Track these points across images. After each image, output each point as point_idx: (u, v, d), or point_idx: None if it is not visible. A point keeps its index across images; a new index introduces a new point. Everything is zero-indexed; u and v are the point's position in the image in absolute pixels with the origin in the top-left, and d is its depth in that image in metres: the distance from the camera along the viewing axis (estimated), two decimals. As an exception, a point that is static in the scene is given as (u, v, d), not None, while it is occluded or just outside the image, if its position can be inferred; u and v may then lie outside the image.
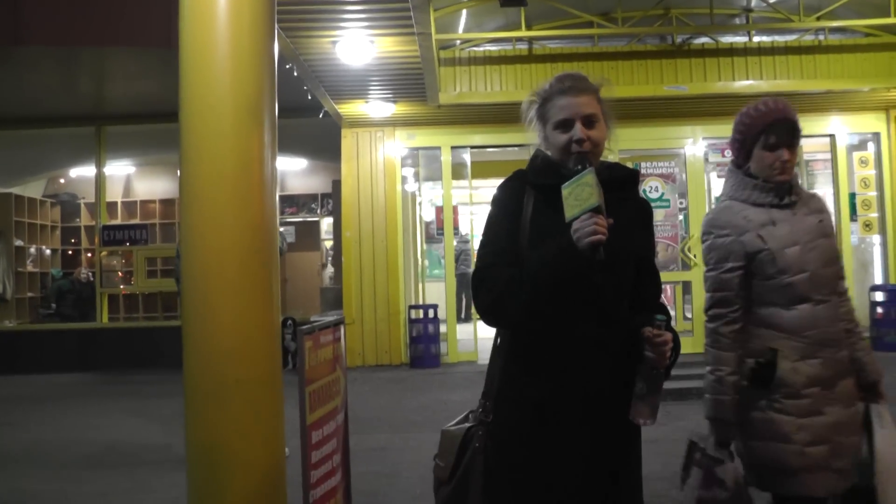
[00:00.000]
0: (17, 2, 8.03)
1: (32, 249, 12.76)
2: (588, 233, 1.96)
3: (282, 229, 6.51)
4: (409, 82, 8.63)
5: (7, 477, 5.75)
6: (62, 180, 13.78)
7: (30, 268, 12.67)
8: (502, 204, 2.24)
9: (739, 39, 9.89)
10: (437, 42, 8.16)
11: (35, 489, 5.43)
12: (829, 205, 10.37)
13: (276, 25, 3.87)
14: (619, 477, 2.13)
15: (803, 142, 10.14)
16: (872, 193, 10.43)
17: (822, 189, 11.40)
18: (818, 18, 9.21)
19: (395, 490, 5.20)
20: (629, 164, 8.73)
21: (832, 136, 10.42)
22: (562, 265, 2.03)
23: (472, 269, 12.45)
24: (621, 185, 2.20)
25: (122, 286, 12.28)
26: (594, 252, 1.97)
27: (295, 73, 7.97)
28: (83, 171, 13.00)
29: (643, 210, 2.27)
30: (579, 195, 2.01)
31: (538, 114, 2.24)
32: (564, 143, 2.15)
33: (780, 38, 9.74)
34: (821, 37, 9.63)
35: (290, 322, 10.26)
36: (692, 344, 9.90)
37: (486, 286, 2.13)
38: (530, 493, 2.11)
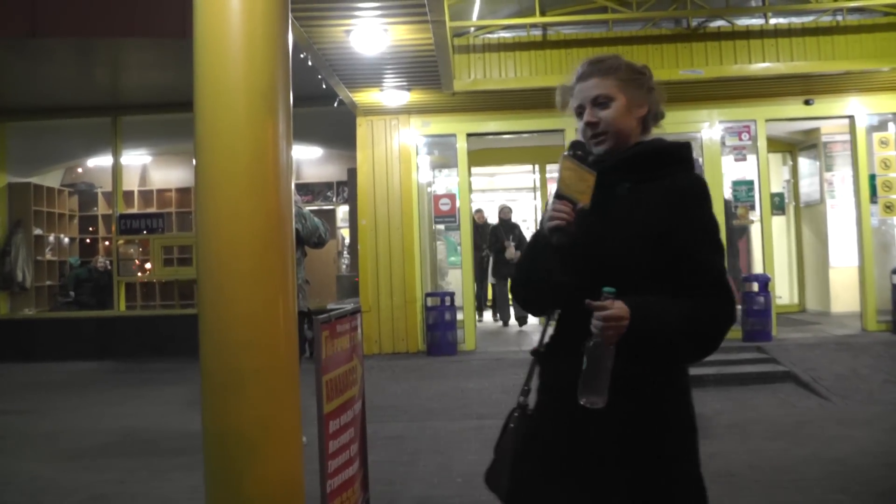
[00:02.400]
0: (35, -5, 8.07)
1: (51, 238, 12.87)
2: (547, 218, 2.03)
3: (317, 220, 6.52)
4: (424, 70, 8.60)
5: (26, 464, 5.81)
6: (80, 170, 13.87)
7: (48, 256, 12.78)
8: None
9: (755, 22, 9.77)
10: (451, 29, 8.12)
11: (53, 476, 5.49)
12: (849, 187, 10.42)
13: (290, 15, 3.85)
14: (624, 465, 1.99)
15: (821, 124, 10.05)
16: (893, 175, 10.30)
17: (842, 171, 11.30)
18: (835, -1, 9.08)
19: (412, 479, 5.21)
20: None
21: (851, 118, 10.29)
22: (530, 248, 2.14)
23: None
24: (637, 166, 2.08)
25: (139, 273, 12.35)
26: (551, 236, 2.01)
27: (309, 63, 7.96)
28: (100, 161, 13.07)
29: (671, 193, 2.02)
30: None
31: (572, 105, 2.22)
32: (581, 129, 2.17)
33: (796, 20, 9.61)
34: (839, 17, 9.50)
35: (307, 310, 10.29)
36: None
37: None
38: (528, 480, 2.12)
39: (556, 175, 10.68)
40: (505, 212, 12.68)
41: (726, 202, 10.41)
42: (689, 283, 1.97)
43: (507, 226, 12.48)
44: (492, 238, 12.49)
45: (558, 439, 2.06)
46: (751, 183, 10.43)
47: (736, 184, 10.52)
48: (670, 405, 2.04)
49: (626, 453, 1.98)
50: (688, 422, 2.08)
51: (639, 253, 1.98)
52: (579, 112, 2.17)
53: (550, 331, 2.23)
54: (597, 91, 2.12)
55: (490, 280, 12.97)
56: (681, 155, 2.13)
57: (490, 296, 13.65)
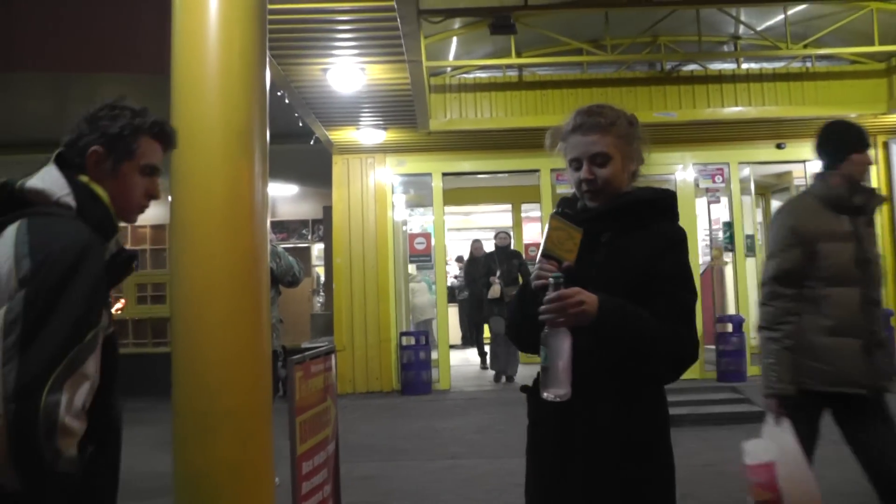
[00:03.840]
0: (11, 28, 8.04)
1: (21, 275, 12.68)
2: (534, 277, 2.08)
3: (292, 259, 6.45)
4: (400, 109, 8.65)
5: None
6: (52, 206, 13.73)
7: (19, 294, 12.58)
8: None
9: (728, 66, 9.96)
10: (428, 69, 8.19)
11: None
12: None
13: (268, 53, 3.86)
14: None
15: (791, 168, 10.14)
16: (862, 219, 10.45)
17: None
18: (805, 46, 9.29)
19: (385, 520, 5.13)
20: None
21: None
22: (517, 300, 2.28)
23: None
24: (622, 215, 2.17)
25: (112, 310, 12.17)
26: (538, 294, 2.04)
27: (286, 100, 7.98)
28: (73, 197, 12.95)
29: (653, 240, 2.12)
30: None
31: (563, 150, 2.26)
32: (576, 182, 2.22)
33: (767, 65, 9.82)
34: (808, 64, 9.72)
35: (281, 349, 10.18)
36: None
37: None
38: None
39: (531, 215, 10.68)
40: (478, 248, 11.70)
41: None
42: (661, 314, 2.04)
43: (503, 255, 10.90)
44: (483, 271, 11.01)
45: (549, 471, 2.15)
46: (729, 224, 10.56)
47: (726, 225, 10.57)
48: (653, 437, 2.12)
49: (605, 484, 2.06)
50: (666, 458, 2.15)
51: (619, 296, 2.04)
52: (575, 165, 2.20)
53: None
54: (596, 149, 2.16)
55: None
56: (664, 205, 2.22)
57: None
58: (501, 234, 11.51)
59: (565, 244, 2.07)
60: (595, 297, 1.98)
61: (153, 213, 13.08)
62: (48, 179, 1.95)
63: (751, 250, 10.68)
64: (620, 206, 2.16)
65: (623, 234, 2.13)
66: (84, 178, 1.99)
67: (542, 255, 2.08)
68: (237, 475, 3.15)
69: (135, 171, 2.04)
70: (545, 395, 1.96)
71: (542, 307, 1.98)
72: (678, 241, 2.15)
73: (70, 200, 1.91)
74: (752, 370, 9.69)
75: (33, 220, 1.85)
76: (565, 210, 2.22)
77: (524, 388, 2.26)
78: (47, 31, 8.08)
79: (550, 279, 1.97)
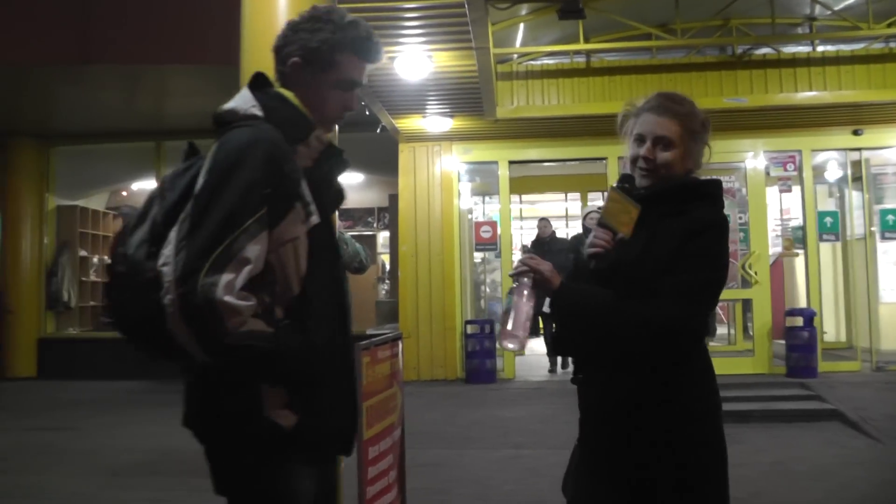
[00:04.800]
0: (87, 24, 8.28)
1: (95, 259, 13.07)
2: (587, 244, 2.20)
3: (359, 245, 6.48)
4: (467, 97, 8.62)
5: (65, 481, 5.86)
6: (124, 193, 14.11)
7: (92, 277, 12.97)
8: None
9: (802, 49, 9.66)
10: (495, 56, 8.14)
11: (91, 493, 5.52)
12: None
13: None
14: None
15: (869, 154, 9.83)
16: (948, 208, 10.03)
17: (893, 203, 11.04)
18: (889, 25, 8.90)
19: (448, 507, 5.14)
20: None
21: (904, 148, 10.09)
22: (571, 273, 2.31)
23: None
24: (664, 200, 2.21)
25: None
26: (589, 262, 2.19)
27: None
28: (143, 185, 13.28)
29: (691, 223, 2.13)
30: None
31: (630, 126, 2.30)
32: (633, 157, 2.25)
33: (845, 47, 9.48)
34: (892, 44, 9.33)
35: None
36: (752, 364, 9.67)
37: None
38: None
39: (598, 203, 10.64)
40: (544, 227, 10.95)
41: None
42: (663, 285, 2.07)
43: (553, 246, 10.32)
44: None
45: (592, 460, 2.22)
46: (835, 214, 10.25)
47: (822, 214, 10.25)
48: (693, 430, 2.13)
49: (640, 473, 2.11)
50: (707, 460, 2.15)
51: (652, 278, 2.09)
52: (638, 139, 2.23)
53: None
54: (664, 132, 2.20)
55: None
56: (706, 191, 2.25)
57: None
58: (542, 222, 11.02)
59: (621, 217, 2.15)
60: (557, 279, 2.12)
61: (222, 201, 13.40)
62: (238, 98, 2.06)
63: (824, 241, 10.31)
64: (665, 189, 2.21)
65: (666, 219, 2.16)
66: (276, 87, 2.10)
67: (598, 223, 2.18)
68: None
69: (331, 84, 2.08)
70: (500, 343, 2.11)
71: (515, 264, 2.14)
72: (710, 225, 2.15)
73: (256, 111, 2.01)
74: (824, 366, 9.41)
75: (220, 138, 1.98)
76: (625, 185, 2.24)
77: (574, 380, 2.30)
78: (119, 24, 8.29)
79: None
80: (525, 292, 2.08)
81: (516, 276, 2.12)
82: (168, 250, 1.84)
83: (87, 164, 12.60)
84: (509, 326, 2.06)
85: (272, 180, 1.89)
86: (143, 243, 1.94)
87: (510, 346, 2.06)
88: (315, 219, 1.97)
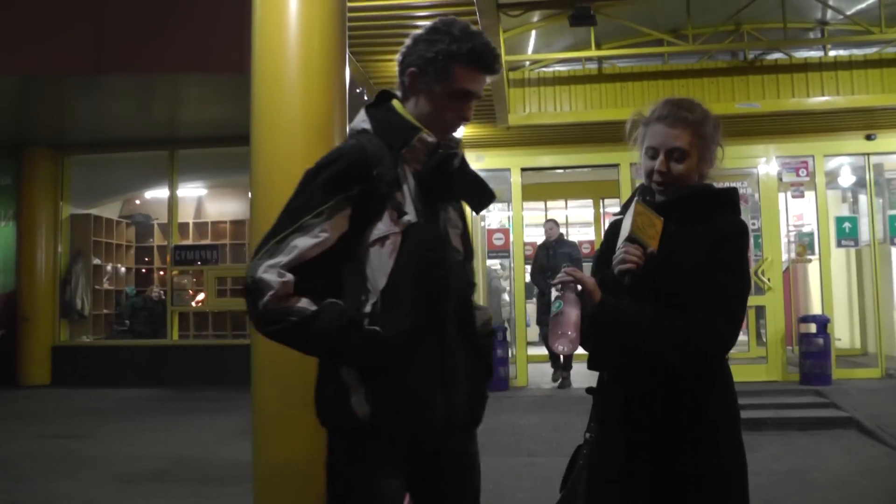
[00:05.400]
0: (101, 33, 8.32)
1: (109, 268, 13.12)
2: (618, 261, 2.14)
3: None
4: (479, 104, 8.53)
5: (78, 488, 5.85)
6: (137, 202, 14.17)
7: (106, 285, 13.02)
8: None
9: (814, 54, 9.61)
10: (506, 63, 8.14)
11: (105, 501, 5.52)
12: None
13: (347, 50, 3.88)
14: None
15: (884, 160, 9.78)
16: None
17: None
18: (902, 29, 8.85)
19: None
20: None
21: (920, 153, 10.02)
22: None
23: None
24: (682, 207, 2.20)
25: (192, 304, 12.50)
26: (622, 278, 2.15)
27: (365, 97, 8.04)
28: (157, 193, 13.33)
29: (713, 232, 2.14)
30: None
31: (640, 135, 2.29)
32: (647, 170, 2.24)
33: (858, 52, 9.42)
34: (905, 49, 9.27)
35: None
36: (766, 371, 9.60)
37: None
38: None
39: (612, 210, 10.59)
40: (551, 230, 10.32)
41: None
42: (697, 300, 2.06)
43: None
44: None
45: (612, 469, 2.18)
46: (854, 219, 10.17)
47: (840, 220, 10.19)
48: (717, 438, 2.13)
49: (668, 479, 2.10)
50: (729, 468, 2.16)
51: (680, 288, 2.10)
52: (651, 154, 2.21)
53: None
54: (677, 143, 2.17)
55: None
56: (725, 199, 2.24)
57: None
58: (548, 224, 10.49)
59: (648, 230, 2.13)
60: (599, 294, 2.10)
61: (232, 209, 13.43)
62: (356, 117, 2.22)
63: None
64: (683, 197, 2.20)
65: (685, 227, 2.15)
66: (394, 101, 2.21)
67: (628, 238, 2.13)
68: (317, 467, 3.14)
69: (446, 94, 2.14)
70: (555, 346, 2.07)
71: (560, 274, 2.13)
72: (736, 234, 2.15)
73: (365, 125, 2.16)
74: (838, 373, 9.33)
75: None
76: (648, 198, 2.25)
77: (590, 390, 2.32)
78: (132, 34, 8.33)
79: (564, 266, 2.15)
80: (572, 297, 2.09)
81: (562, 285, 2.12)
82: None
83: (100, 172, 12.66)
84: (560, 329, 2.06)
85: (355, 183, 2.02)
86: None
87: (561, 348, 2.06)
88: (410, 218, 2.06)
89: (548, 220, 10.73)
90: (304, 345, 2.06)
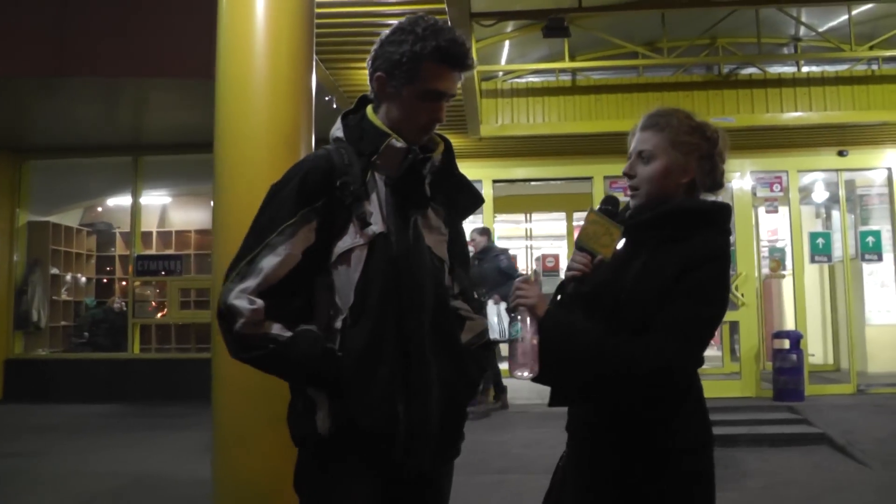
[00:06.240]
0: (64, 34, 8.08)
1: (68, 277, 12.78)
2: (567, 267, 2.13)
3: None
4: (450, 114, 8.49)
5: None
6: (99, 209, 13.85)
7: (64, 296, 12.67)
8: None
9: (788, 69, 9.67)
10: (479, 73, 8.03)
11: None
12: (887, 241, 10.09)
13: (315, 57, 3.76)
14: None
15: (856, 176, 9.85)
16: (933, 230, 10.00)
17: (879, 226, 11.03)
18: (871, 48, 8.93)
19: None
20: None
21: (889, 170, 10.07)
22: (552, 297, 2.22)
23: None
24: (659, 227, 2.08)
25: (155, 315, 12.22)
26: (567, 285, 2.13)
27: (334, 105, 7.88)
28: (119, 201, 13.05)
29: (690, 252, 2.00)
30: None
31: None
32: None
33: (830, 68, 9.49)
34: (874, 66, 9.34)
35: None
36: (740, 388, 9.57)
37: None
38: None
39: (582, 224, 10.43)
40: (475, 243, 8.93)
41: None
42: (655, 323, 1.96)
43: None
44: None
45: (567, 480, 2.17)
46: (827, 235, 10.18)
47: (814, 235, 10.18)
48: (684, 463, 2.03)
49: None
50: (698, 488, 2.05)
51: (646, 310, 1.98)
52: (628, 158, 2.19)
53: None
54: (643, 146, 2.13)
55: None
56: (710, 218, 2.09)
57: None
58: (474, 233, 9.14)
59: (601, 239, 2.08)
60: (544, 307, 2.01)
61: (198, 218, 13.17)
62: (334, 125, 2.19)
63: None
64: (661, 214, 2.08)
65: (663, 245, 2.04)
66: (368, 107, 2.17)
67: (577, 246, 2.12)
68: (280, 484, 3.03)
69: (416, 96, 2.07)
70: (514, 373, 1.99)
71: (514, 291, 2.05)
72: (707, 258, 2.01)
73: (339, 133, 2.15)
74: (811, 389, 9.32)
75: None
76: (607, 207, 2.14)
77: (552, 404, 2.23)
78: (97, 36, 8.11)
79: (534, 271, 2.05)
80: (528, 319, 2.01)
81: (513, 306, 2.05)
82: None
83: (61, 178, 12.35)
84: (519, 357, 1.99)
85: (320, 194, 2.00)
86: None
87: (521, 374, 1.99)
88: (375, 229, 2.02)
89: (474, 230, 9.32)
90: (278, 371, 2.07)
